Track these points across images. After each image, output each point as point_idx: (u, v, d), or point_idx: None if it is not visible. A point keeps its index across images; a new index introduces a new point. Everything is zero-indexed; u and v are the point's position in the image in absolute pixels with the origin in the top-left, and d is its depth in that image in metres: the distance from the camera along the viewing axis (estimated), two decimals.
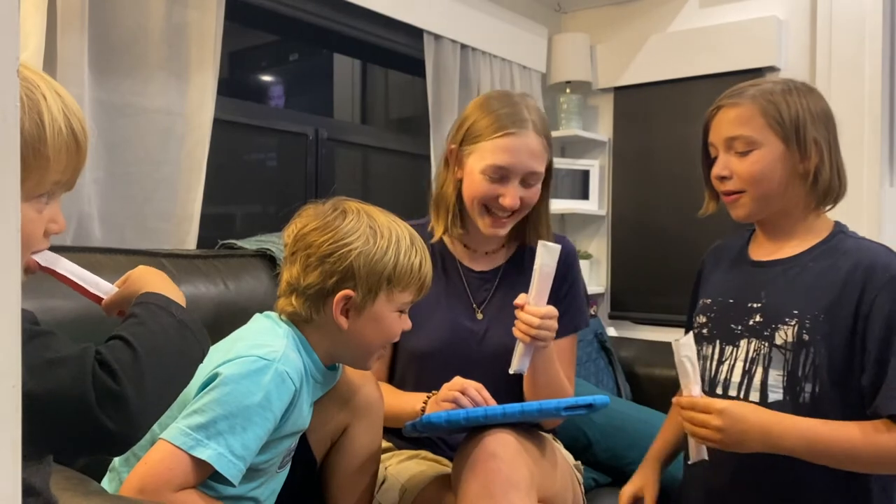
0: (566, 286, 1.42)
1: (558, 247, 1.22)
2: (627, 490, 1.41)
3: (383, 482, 1.29)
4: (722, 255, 1.41)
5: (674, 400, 1.26)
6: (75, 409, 0.65)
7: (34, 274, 0.76)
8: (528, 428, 1.22)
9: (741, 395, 1.24)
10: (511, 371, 1.25)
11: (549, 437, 1.37)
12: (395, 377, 1.44)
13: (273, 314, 1.12)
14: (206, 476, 0.94)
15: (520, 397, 1.35)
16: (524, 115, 1.31)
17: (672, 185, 2.75)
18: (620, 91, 2.93)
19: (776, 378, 1.21)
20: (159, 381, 0.72)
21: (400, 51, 2.43)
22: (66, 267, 0.81)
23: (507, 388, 1.27)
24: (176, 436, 0.92)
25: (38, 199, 0.69)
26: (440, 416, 1.11)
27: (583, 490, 1.40)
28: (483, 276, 1.44)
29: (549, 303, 1.23)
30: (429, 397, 1.28)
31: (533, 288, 1.23)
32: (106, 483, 1.04)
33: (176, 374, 0.76)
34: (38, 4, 1.41)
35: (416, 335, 1.30)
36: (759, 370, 1.23)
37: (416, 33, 2.35)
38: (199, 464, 0.92)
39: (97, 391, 0.66)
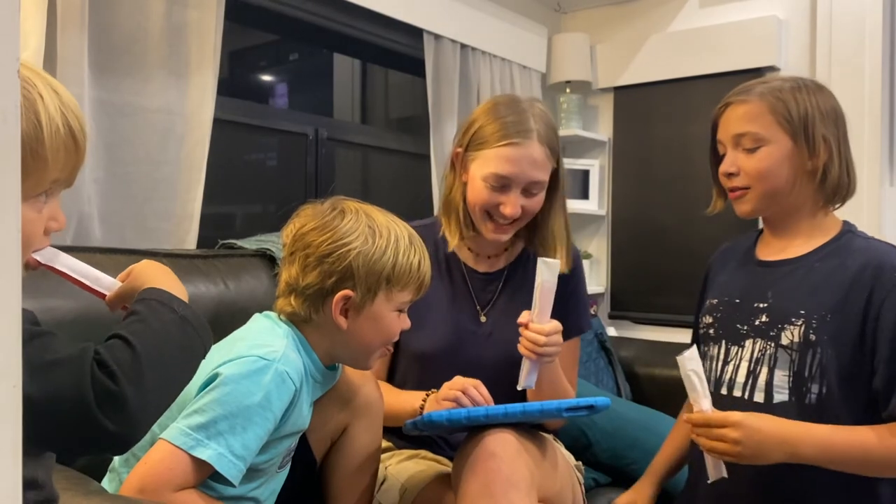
0: (570, 289, 1.42)
1: (558, 262, 1.22)
2: (621, 501, 1.41)
3: (383, 482, 1.29)
4: (729, 257, 1.40)
5: (685, 418, 1.23)
6: (74, 411, 0.65)
7: (35, 271, 0.75)
8: (528, 428, 1.22)
9: (745, 396, 1.23)
10: (519, 388, 1.25)
11: (549, 437, 1.37)
12: (396, 378, 1.44)
13: (273, 314, 1.12)
14: (207, 476, 0.94)
15: (522, 399, 1.34)
16: (529, 125, 1.31)
17: (672, 185, 2.74)
18: (620, 91, 2.93)
19: (782, 378, 1.20)
20: (160, 379, 0.71)
21: (400, 51, 2.43)
22: (66, 263, 0.80)
23: (510, 390, 1.27)
24: (176, 436, 0.92)
25: (36, 199, 0.68)
26: (441, 414, 1.11)
27: (583, 490, 1.39)
28: (487, 277, 1.44)
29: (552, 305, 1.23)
30: (428, 395, 1.28)
31: (535, 305, 1.22)
32: (106, 483, 1.04)
33: (177, 371, 0.75)
34: (38, 4, 1.41)
35: (418, 336, 1.30)
36: (765, 370, 1.22)
37: (415, 33, 2.35)
38: (200, 464, 0.92)
39: (96, 392, 0.65)
